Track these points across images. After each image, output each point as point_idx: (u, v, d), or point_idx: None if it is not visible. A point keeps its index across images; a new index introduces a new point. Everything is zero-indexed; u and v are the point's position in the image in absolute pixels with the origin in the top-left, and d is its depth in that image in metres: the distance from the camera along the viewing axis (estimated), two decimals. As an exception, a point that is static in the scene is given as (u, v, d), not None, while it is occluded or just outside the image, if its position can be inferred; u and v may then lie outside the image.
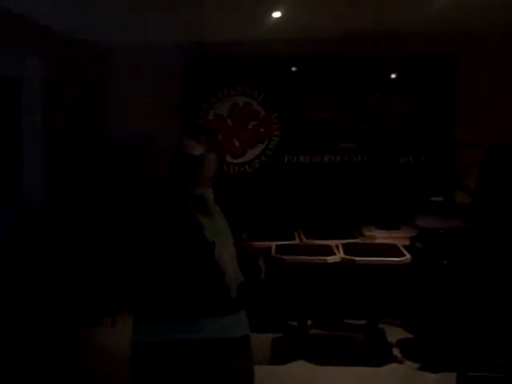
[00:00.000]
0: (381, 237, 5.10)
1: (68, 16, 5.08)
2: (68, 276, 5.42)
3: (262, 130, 6.12)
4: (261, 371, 2.44)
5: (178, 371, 2.22)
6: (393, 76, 5.96)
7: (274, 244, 4.62)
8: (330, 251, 4.53)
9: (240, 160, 6.11)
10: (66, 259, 5.42)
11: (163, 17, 5.11)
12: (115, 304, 5.44)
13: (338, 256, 4.42)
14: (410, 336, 5.01)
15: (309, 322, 5.14)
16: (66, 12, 4.95)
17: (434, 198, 5.48)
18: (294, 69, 6.10)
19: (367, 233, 5.21)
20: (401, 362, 4.49)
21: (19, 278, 5.25)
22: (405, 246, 4.65)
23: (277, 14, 5.08)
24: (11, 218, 5.20)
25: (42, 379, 4.23)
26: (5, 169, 5.63)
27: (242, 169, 6.12)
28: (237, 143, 6.11)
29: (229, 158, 6.09)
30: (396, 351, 4.70)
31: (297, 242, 4.92)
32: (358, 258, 4.35)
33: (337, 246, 4.65)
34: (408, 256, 4.34)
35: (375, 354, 4.60)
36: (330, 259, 4.36)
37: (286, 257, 4.38)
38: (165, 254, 2.23)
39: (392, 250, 4.54)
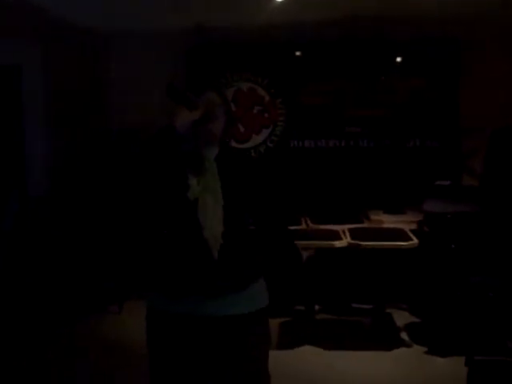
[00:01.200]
0: (388, 221, 5.09)
1: (69, 2, 5.03)
2: (73, 263, 5.42)
3: (266, 115, 6.09)
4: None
5: (184, 344, 2.20)
6: (398, 59, 5.91)
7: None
8: (336, 236, 4.51)
9: (245, 145, 6.08)
10: (71, 246, 5.42)
11: (165, 2, 5.07)
12: (122, 290, 5.44)
13: (345, 241, 4.40)
14: (417, 320, 5.00)
15: (316, 307, 5.15)
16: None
17: (440, 182, 5.45)
18: (297, 53, 6.06)
19: (374, 217, 5.19)
20: (409, 346, 4.48)
21: (25, 266, 5.26)
22: (412, 231, 4.63)
23: (280, -2, 5.03)
24: (16, 207, 5.20)
25: (50, 368, 4.22)
26: (8, 158, 5.62)
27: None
28: (241, 129, 6.08)
29: (234, 144, 6.06)
30: (404, 335, 4.69)
31: (303, 227, 4.90)
32: (364, 243, 4.34)
33: (343, 231, 4.64)
34: (415, 240, 4.32)
35: (383, 339, 4.60)
36: (337, 244, 4.35)
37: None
38: (150, 219, 2.22)
39: (399, 235, 4.52)
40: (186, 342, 2.20)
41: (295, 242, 2.46)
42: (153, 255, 2.25)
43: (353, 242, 4.36)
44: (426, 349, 4.40)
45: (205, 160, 2.20)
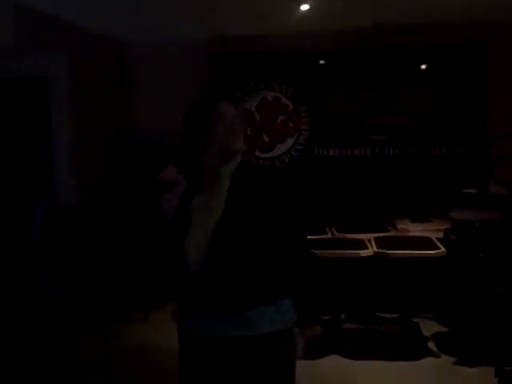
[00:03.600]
0: (414, 230, 5.04)
1: (93, 13, 5.09)
2: (99, 272, 5.45)
3: (290, 124, 6.09)
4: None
5: (209, 365, 2.17)
6: (422, 67, 5.88)
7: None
8: (362, 245, 4.49)
9: (269, 154, 6.09)
10: (96, 255, 5.46)
11: (189, 12, 5.10)
12: (147, 299, 5.46)
13: (371, 250, 4.38)
14: (445, 330, 4.94)
15: (342, 316, 5.11)
16: (90, 9, 4.96)
17: (467, 190, 5.39)
18: (322, 62, 6.06)
19: (400, 226, 5.15)
20: (437, 356, 4.42)
21: (52, 274, 5.31)
22: (439, 239, 4.58)
23: (305, 7, 5.04)
24: (44, 217, 5.27)
25: (75, 376, 4.25)
26: (35, 168, 5.70)
27: (271, 163, 6.09)
28: (266, 138, 6.10)
29: (258, 153, 6.09)
30: (431, 345, 4.64)
31: (328, 236, 4.89)
32: (391, 252, 4.31)
33: (369, 240, 4.61)
34: (443, 249, 4.29)
35: (410, 348, 4.56)
36: (363, 253, 4.32)
37: (318, 251, 4.34)
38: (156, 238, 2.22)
39: (426, 243, 4.48)
40: (205, 361, 2.18)
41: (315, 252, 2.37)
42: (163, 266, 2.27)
43: (379, 250, 4.34)
44: (454, 359, 4.35)
45: (218, 177, 2.16)
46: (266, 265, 2.15)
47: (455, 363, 4.30)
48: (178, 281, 2.19)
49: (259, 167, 2.38)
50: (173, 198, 2.12)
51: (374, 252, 4.34)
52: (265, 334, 2.15)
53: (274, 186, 2.23)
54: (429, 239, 4.58)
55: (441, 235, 4.80)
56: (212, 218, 2.10)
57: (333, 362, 4.38)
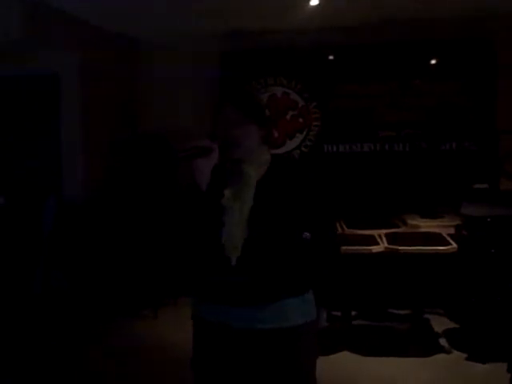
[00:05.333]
0: (425, 225, 5.03)
1: (104, 9, 5.09)
2: (108, 268, 5.46)
3: (300, 120, 6.07)
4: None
5: (220, 354, 2.17)
6: (433, 62, 5.85)
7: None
8: (373, 241, 4.48)
9: (279, 151, 6.05)
10: (104, 252, 5.46)
11: (200, 8, 5.09)
12: (157, 295, 5.47)
13: (382, 246, 4.36)
14: (456, 326, 4.92)
15: (352, 313, 5.10)
16: (101, 5, 4.97)
17: (478, 186, 5.36)
18: (331, 57, 6.03)
19: (411, 222, 5.13)
20: (448, 352, 4.41)
21: (61, 271, 5.32)
22: (450, 235, 4.56)
23: (314, 2, 5.02)
24: (53, 212, 5.27)
25: (83, 373, 4.26)
26: (45, 165, 5.71)
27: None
28: (275, 134, 6.07)
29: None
30: (443, 341, 4.62)
31: (339, 232, 4.87)
32: (402, 248, 4.30)
33: (379, 236, 4.60)
34: (454, 245, 4.27)
35: (422, 344, 4.54)
36: (375, 249, 4.31)
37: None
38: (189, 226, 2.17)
39: (437, 239, 4.47)
40: (221, 351, 2.17)
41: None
42: (183, 260, 2.27)
43: (390, 246, 4.33)
44: (465, 355, 4.33)
45: (242, 173, 2.15)
46: (296, 256, 2.15)
47: (467, 359, 4.28)
48: (209, 272, 2.16)
49: (283, 159, 2.34)
50: (206, 164, 2.10)
51: (385, 248, 4.33)
52: (298, 326, 2.15)
53: (301, 177, 2.25)
54: (440, 235, 4.56)
55: (452, 231, 4.79)
56: (244, 211, 2.09)
57: (343, 359, 4.38)
